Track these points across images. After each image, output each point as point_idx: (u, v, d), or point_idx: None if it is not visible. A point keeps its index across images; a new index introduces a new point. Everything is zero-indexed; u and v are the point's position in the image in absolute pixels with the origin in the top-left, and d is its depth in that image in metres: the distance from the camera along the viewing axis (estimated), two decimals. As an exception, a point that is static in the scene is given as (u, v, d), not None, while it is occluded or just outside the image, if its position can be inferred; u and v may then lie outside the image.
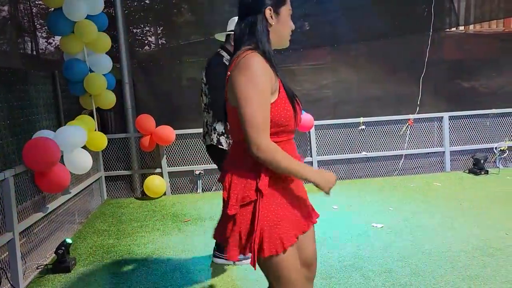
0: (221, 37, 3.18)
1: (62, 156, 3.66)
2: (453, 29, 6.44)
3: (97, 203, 5.10)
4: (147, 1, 5.98)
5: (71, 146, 3.67)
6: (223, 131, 3.02)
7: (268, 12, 1.61)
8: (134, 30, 6.06)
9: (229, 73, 1.58)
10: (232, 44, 2.92)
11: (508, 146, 5.77)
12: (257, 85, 1.48)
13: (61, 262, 3.29)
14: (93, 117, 4.56)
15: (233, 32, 2.78)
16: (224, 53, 3.06)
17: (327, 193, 1.65)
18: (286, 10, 1.66)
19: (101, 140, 4.46)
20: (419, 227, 3.85)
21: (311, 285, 1.84)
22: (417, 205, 4.48)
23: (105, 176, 5.34)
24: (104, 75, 4.53)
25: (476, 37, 6.70)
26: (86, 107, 4.68)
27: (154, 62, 5.80)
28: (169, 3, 5.92)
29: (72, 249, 3.61)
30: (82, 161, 3.84)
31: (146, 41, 6.25)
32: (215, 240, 2.85)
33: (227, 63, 2.95)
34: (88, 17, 4.23)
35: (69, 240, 3.38)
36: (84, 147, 4.08)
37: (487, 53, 6.27)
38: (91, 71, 4.44)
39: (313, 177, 1.59)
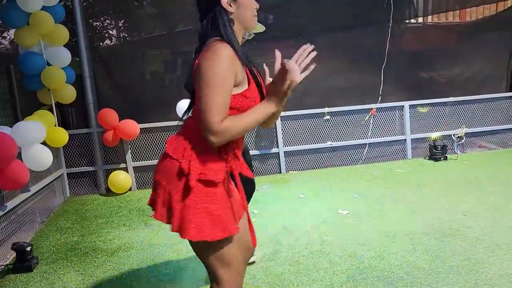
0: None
1: (20, 153, 3.53)
2: (412, 20, 6.63)
3: (60, 201, 4.95)
4: (106, -7, 5.82)
5: (29, 142, 3.54)
6: None
7: (224, 1, 1.58)
8: (94, 23, 5.89)
9: (197, 61, 1.54)
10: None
11: (465, 133, 6.01)
12: (220, 73, 1.46)
13: (22, 262, 3.18)
14: (52, 112, 4.42)
15: None
16: None
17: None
18: None
19: (62, 136, 4.34)
20: (382, 212, 3.96)
21: (245, 267, 1.84)
22: (380, 192, 4.60)
23: (67, 173, 5.18)
24: (63, 68, 4.40)
25: (434, 29, 6.93)
26: (45, 102, 4.52)
27: (116, 56, 5.67)
28: (129, -4, 5.79)
29: (34, 248, 3.49)
30: (41, 158, 3.71)
31: (107, 34, 6.09)
32: None
33: None
34: (44, 8, 4.08)
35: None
36: (44, 143, 3.95)
37: (444, 44, 6.50)
38: (48, 64, 4.29)
39: (272, 108, 1.56)
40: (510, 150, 6.24)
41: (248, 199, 2.97)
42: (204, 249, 1.62)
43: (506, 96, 6.35)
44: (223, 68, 1.47)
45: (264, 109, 1.56)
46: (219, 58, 1.47)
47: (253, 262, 3.08)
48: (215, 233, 1.55)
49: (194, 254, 3.25)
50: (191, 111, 1.74)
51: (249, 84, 1.59)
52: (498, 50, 6.44)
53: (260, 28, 2.97)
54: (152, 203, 1.68)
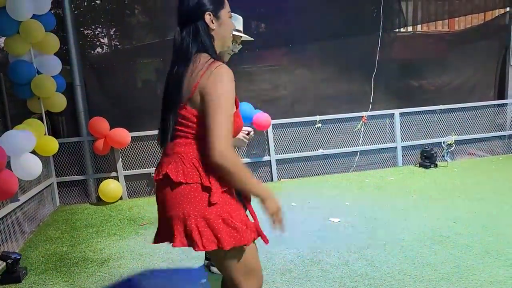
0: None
1: (9, 162, 3.50)
2: (402, 29, 6.71)
3: (49, 210, 4.90)
4: (97, 1, 5.82)
5: (18, 151, 3.51)
6: None
7: (208, 17, 1.63)
8: (85, 32, 5.88)
9: (199, 82, 1.55)
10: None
11: (454, 140, 6.06)
12: (229, 97, 1.53)
13: (11, 272, 3.13)
14: (42, 121, 4.39)
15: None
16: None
17: (270, 214, 1.64)
18: (225, 12, 1.69)
19: (52, 145, 4.30)
20: (374, 220, 3.97)
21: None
22: (372, 199, 4.62)
23: (58, 182, 5.14)
24: (53, 77, 4.37)
25: (423, 38, 7.01)
26: (35, 110, 4.49)
27: (107, 64, 5.65)
28: (121, 4, 5.79)
29: (22, 259, 3.44)
30: (31, 167, 3.68)
31: (98, 43, 6.07)
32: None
33: None
34: (34, 16, 4.06)
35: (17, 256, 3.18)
36: (34, 152, 3.92)
37: (433, 53, 6.58)
38: (39, 73, 4.27)
39: (264, 195, 1.61)
40: (498, 157, 6.32)
41: None
42: (225, 259, 1.64)
43: (494, 104, 6.44)
44: (231, 91, 1.54)
45: (260, 185, 1.61)
46: (226, 81, 1.53)
47: None
48: (239, 240, 1.58)
49: (185, 262, 3.24)
50: (171, 133, 1.66)
51: (237, 106, 1.64)
52: (486, 58, 6.55)
53: (247, 38, 2.99)
54: (166, 237, 1.67)
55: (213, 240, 1.55)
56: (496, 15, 6.76)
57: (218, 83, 1.52)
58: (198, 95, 1.55)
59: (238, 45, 2.86)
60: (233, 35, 2.74)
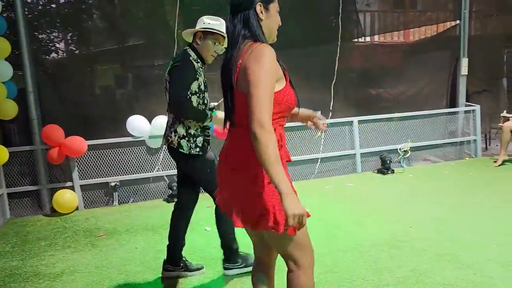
0: (188, 36, 2.97)
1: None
2: (360, 40, 6.90)
3: (-1, 223, 4.65)
4: (53, 6, 5.63)
5: (-37, 161, 3.32)
6: (184, 133, 2.82)
7: (258, 7, 1.76)
8: (40, 36, 5.66)
9: (240, 61, 1.69)
10: (198, 42, 2.87)
11: (410, 147, 6.27)
12: (268, 71, 1.62)
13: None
14: (-9, 128, 4.18)
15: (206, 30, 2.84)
16: (191, 52, 2.86)
17: (289, 218, 1.54)
18: (274, 6, 1.83)
19: (1, 154, 4.09)
20: (334, 226, 4.03)
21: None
22: (332, 206, 4.68)
23: (8, 193, 4.88)
24: (3, 83, 4.18)
25: (380, 48, 7.25)
26: (-17, 118, 4.28)
27: (63, 70, 5.47)
28: (78, 9, 5.63)
29: (-33, 275, 3.24)
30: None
31: (53, 48, 5.86)
32: (223, 253, 3.04)
33: (194, 62, 2.80)
34: (-17, 20, 3.88)
35: None
36: (-19, 162, 3.72)
37: (390, 62, 6.82)
38: (-13, 78, 4.08)
39: (286, 190, 1.55)
40: (450, 162, 6.58)
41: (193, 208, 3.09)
42: (282, 239, 1.78)
43: (446, 112, 6.73)
44: (270, 66, 1.64)
45: (284, 178, 1.57)
46: (265, 57, 1.63)
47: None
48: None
49: (143, 274, 3.15)
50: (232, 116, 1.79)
51: (286, 81, 1.77)
52: (439, 68, 6.86)
53: None
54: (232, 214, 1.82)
55: (272, 222, 1.69)
56: (448, 27, 7.09)
57: (258, 60, 1.62)
58: (242, 73, 1.68)
59: (222, 46, 2.91)
60: (217, 36, 2.79)
